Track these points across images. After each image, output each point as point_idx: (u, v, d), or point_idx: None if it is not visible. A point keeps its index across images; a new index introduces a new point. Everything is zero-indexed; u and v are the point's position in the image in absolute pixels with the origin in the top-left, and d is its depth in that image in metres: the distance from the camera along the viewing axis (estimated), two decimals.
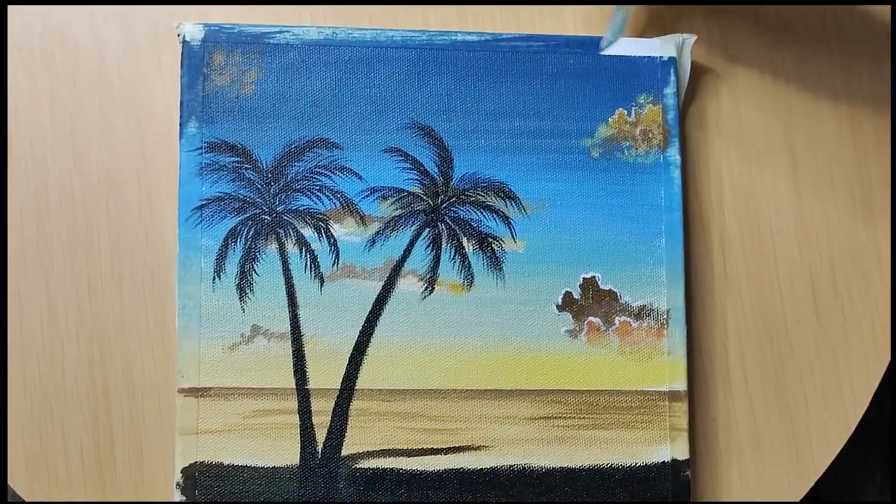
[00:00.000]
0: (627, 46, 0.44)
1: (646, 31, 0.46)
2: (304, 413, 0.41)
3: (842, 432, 0.44)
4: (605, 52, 0.43)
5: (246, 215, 0.42)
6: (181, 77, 0.42)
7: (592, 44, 0.43)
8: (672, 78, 0.44)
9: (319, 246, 0.42)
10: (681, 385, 0.42)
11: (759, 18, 0.46)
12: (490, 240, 0.42)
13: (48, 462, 0.42)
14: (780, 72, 0.46)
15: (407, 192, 0.42)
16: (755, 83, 0.46)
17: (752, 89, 0.46)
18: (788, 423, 0.44)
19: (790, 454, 0.44)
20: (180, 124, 0.42)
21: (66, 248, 0.43)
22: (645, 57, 0.44)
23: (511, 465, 0.41)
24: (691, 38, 0.44)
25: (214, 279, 0.41)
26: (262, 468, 0.40)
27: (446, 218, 0.42)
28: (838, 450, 0.44)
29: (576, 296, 0.42)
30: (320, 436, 0.41)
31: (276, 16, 0.45)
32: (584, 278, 0.42)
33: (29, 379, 0.42)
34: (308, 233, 0.42)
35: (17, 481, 0.41)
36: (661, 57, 0.44)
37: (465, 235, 0.42)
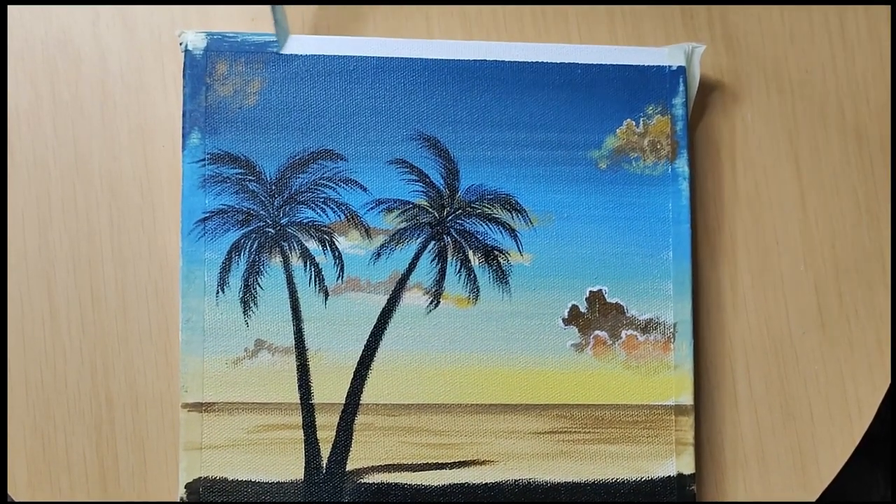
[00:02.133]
0: (635, 55, 0.42)
1: (652, 39, 0.44)
2: (309, 428, 0.40)
3: (847, 444, 0.43)
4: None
5: (250, 228, 0.40)
6: (183, 87, 0.40)
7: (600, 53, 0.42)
8: (681, 88, 0.42)
9: (324, 259, 0.40)
10: (687, 399, 0.41)
11: (765, 27, 0.45)
12: (496, 253, 0.41)
13: (50, 472, 0.41)
14: (786, 82, 0.45)
15: (412, 204, 0.41)
16: (760, 93, 0.45)
17: (758, 100, 0.45)
18: (794, 436, 0.43)
19: (795, 467, 0.43)
20: (183, 135, 0.40)
21: (69, 258, 0.42)
22: (653, 66, 0.42)
23: (516, 480, 0.40)
24: (700, 47, 0.43)
25: (218, 293, 0.40)
26: (266, 483, 0.39)
27: (452, 230, 0.41)
28: (843, 462, 0.43)
29: (582, 309, 0.41)
30: (325, 450, 0.40)
31: None
32: (590, 291, 0.41)
33: (31, 388, 0.41)
34: (312, 246, 0.40)
35: (18, 491, 0.41)
36: (670, 66, 0.42)
37: (470, 248, 0.41)
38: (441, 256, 0.41)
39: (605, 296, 0.41)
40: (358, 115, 0.41)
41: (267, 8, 0.43)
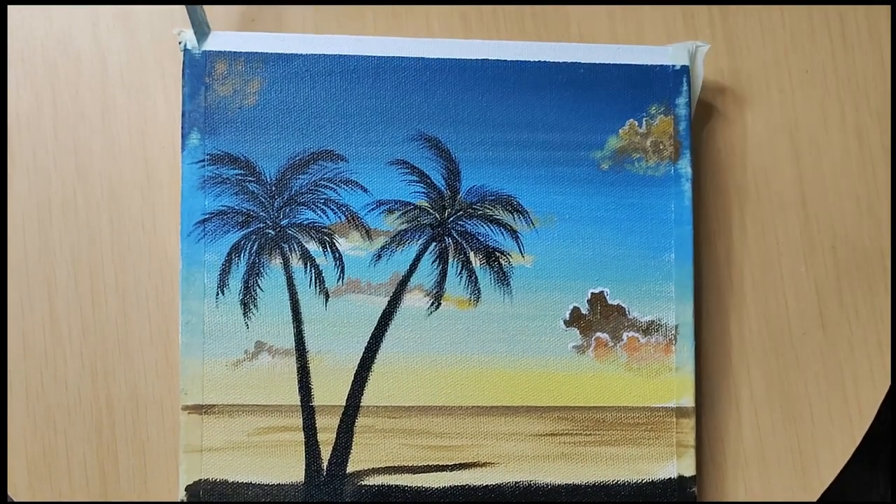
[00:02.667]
0: (639, 54, 0.42)
1: (653, 39, 0.44)
2: (309, 430, 0.39)
3: (847, 446, 0.43)
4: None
5: (249, 229, 0.40)
6: (183, 87, 0.40)
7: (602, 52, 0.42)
8: (684, 87, 0.42)
9: (324, 261, 0.40)
10: (688, 401, 0.41)
11: (765, 27, 0.45)
12: (497, 254, 0.41)
13: (51, 475, 0.40)
14: (786, 82, 0.45)
15: (413, 205, 0.40)
16: (761, 93, 0.44)
17: (758, 100, 0.44)
18: (794, 437, 0.43)
19: (795, 469, 0.43)
20: (182, 136, 0.40)
21: (69, 261, 0.41)
22: (657, 65, 0.42)
23: (517, 482, 0.40)
24: (705, 46, 0.42)
25: (218, 295, 0.39)
26: (266, 485, 0.39)
27: (453, 232, 0.41)
28: (843, 463, 0.43)
29: (584, 311, 0.41)
30: (325, 453, 0.39)
31: (280, 23, 0.43)
32: (592, 293, 0.41)
33: (31, 391, 0.41)
34: (313, 247, 0.40)
35: (18, 494, 0.40)
36: (673, 66, 0.42)
37: (472, 250, 0.41)
38: (442, 258, 0.40)
39: (607, 297, 0.41)
40: (358, 115, 0.40)
41: (267, 8, 0.43)
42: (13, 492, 0.40)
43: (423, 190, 0.41)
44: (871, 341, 0.44)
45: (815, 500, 0.43)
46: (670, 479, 0.40)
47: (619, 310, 0.41)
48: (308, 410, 0.39)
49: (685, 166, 0.42)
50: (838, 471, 0.43)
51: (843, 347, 0.44)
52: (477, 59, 0.41)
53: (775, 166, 0.44)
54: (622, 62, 0.41)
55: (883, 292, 0.44)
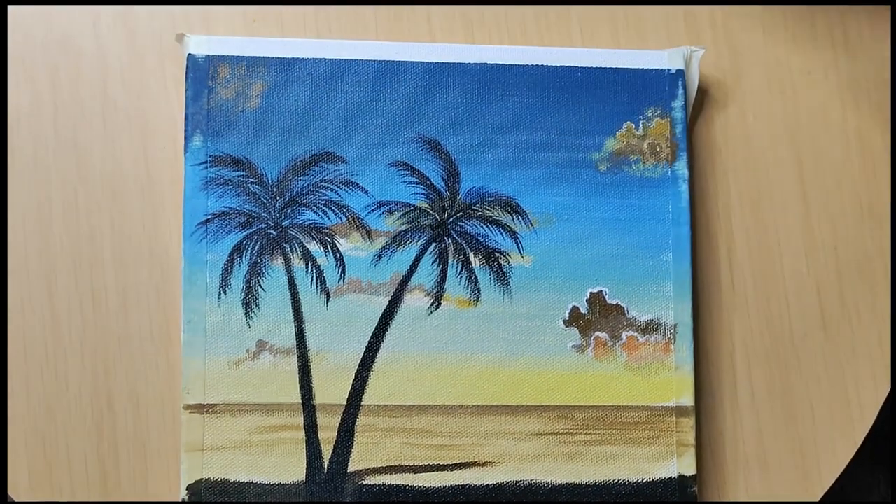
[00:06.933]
0: (635, 59, 0.45)
1: (655, 41, 0.47)
2: (310, 429, 0.42)
3: (848, 447, 0.45)
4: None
5: (251, 230, 0.43)
6: (186, 90, 0.43)
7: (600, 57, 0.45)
8: (680, 91, 0.45)
9: (325, 261, 0.43)
10: (688, 400, 0.43)
11: (767, 30, 0.47)
12: (497, 254, 0.43)
13: (51, 475, 0.42)
14: (788, 84, 0.47)
15: (413, 206, 0.43)
16: (762, 95, 0.47)
17: (760, 101, 0.47)
18: (795, 438, 0.45)
19: (797, 469, 0.45)
20: (185, 138, 0.43)
21: (70, 261, 0.43)
22: (653, 69, 0.45)
23: (517, 481, 0.42)
24: (699, 51, 0.45)
25: (220, 294, 0.42)
26: (268, 484, 0.41)
27: (453, 232, 0.44)
28: (845, 464, 0.45)
29: (583, 310, 0.43)
30: (326, 452, 0.42)
31: (282, 28, 0.45)
32: (591, 293, 0.44)
33: (32, 391, 0.43)
34: (314, 247, 0.43)
35: (19, 493, 0.42)
36: (669, 69, 0.45)
37: (471, 250, 0.43)
38: (442, 258, 0.43)
39: (606, 297, 0.44)
40: (359, 117, 0.43)
41: (268, 8, 0.46)
42: (13, 492, 0.42)
43: (423, 191, 0.44)
44: (873, 342, 0.46)
45: (816, 500, 0.45)
46: (671, 478, 0.43)
47: (618, 309, 0.44)
48: (309, 409, 0.42)
49: (682, 168, 0.44)
50: (839, 472, 0.45)
51: (844, 348, 0.46)
52: (476, 63, 0.44)
53: (777, 167, 0.46)
54: (619, 66, 0.44)
55: (884, 294, 0.46)
